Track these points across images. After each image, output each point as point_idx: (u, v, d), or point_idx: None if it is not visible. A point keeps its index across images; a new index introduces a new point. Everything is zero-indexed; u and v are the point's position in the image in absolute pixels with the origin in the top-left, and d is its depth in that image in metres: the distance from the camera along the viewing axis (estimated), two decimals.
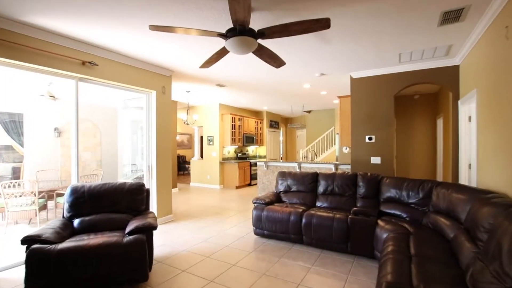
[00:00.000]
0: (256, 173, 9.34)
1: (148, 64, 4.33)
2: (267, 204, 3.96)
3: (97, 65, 3.58)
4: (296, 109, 9.79)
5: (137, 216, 3.00)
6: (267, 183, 6.33)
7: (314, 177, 4.26)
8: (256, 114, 10.67)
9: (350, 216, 3.30)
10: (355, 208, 3.42)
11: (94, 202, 2.93)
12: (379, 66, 4.62)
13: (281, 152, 12.38)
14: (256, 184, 9.27)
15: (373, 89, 4.83)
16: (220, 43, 3.41)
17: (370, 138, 4.83)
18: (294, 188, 4.32)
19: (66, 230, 2.65)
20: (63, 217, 2.89)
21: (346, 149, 5.81)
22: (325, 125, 10.61)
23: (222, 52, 2.89)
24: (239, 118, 9.02)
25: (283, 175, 4.50)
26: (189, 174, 11.38)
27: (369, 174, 3.91)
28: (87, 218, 2.84)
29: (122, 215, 2.99)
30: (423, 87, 6.31)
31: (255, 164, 9.17)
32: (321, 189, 4.14)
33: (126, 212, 3.04)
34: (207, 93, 6.91)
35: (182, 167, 12.30)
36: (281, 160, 11.78)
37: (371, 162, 4.83)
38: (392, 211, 3.42)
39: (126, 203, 3.06)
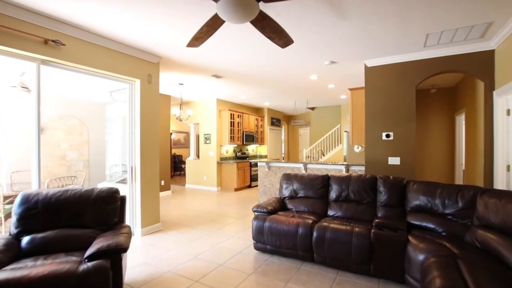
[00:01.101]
0: (257, 174, 8.71)
1: (129, 47, 3.70)
2: (270, 213, 3.33)
3: (63, 44, 2.95)
4: (300, 105, 9.16)
5: (107, 231, 2.37)
6: (269, 186, 5.70)
7: (325, 181, 3.63)
8: (257, 110, 10.03)
9: (373, 231, 2.67)
10: (377, 220, 2.79)
11: (50, 215, 2.31)
12: (399, 52, 3.98)
13: (283, 152, 11.76)
14: (256, 186, 8.64)
15: (392, 79, 4.20)
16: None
17: (387, 136, 4.20)
18: (301, 194, 3.69)
19: (8, 252, 2.02)
20: (10, 234, 2.26)
21: (358, 148, 5.18)
22: (330, 123, 9.97)
23: (214, 23, 2.26)
24: (238, 115, 8.39)
25: (288, 178, 3.87)
26: (185, 174, 10.77)
27: (391, 177, 3.28)
28: (39, 235, 2.21)
29: (87, 230, 2.36)
30: (441, 80, 5.68)
31: (256, 165, 8.55)
32: (333, 195, 3.50)
33: (93, 227, 2.41)
34: (203, 86, 6.28)
35: (178, 167, 11.68)
36: (283, 160, 11.15)
37: (389, 163, 4.20)
38: (424, 224, 2.79)
39: (93, 215, 2.43)
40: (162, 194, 7.10)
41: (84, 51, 3.18)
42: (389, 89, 4.22)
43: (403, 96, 4.12)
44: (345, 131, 6.98)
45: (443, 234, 2.62)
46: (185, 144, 12.70)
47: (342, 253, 2.72)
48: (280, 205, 3.64)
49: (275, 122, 10.60)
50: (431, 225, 2.73)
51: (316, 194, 3.59)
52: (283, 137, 11.55)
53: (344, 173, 4.79)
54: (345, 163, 5.08)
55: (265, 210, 3.33)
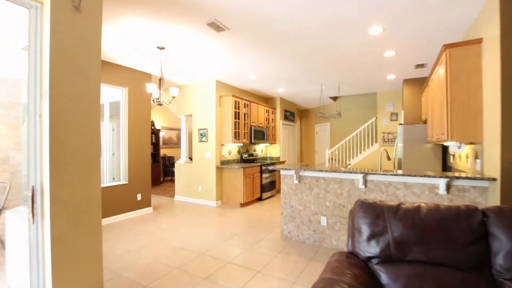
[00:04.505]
0: (269, 182, 6.62)
1: None
2: None
3: None
4: (326, 92, 7.08)
5: None
6: (300, 208, 3.60)
7: (478, 225, 1.53)
8: (267, 100, 7.94)
9: None
10: None
11: None
12: None
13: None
14: (269, 197, 6.54)
15: None
16: None
17: None
18: (416, 253, 1.58)
19: None
20: None
21: (460, 147, 3.09)
22: (357, 117, 7.87)
23: None
24: (245, 104, 6.29)
25: (374, 213, 1.75)
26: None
27: None
28: None
29: None
30: None
31: (268, 170, 6.45)
32: (505, 261, 1.41)
33: None
34: (195, 55, 4.18)
35: (168, 171, 9.55)
36: (306, 168, 9.08)
37: None
38: None
39: None
40: (138, 213, 5.00)
41: None
42: None
43: None
44: (400, 124, 4.91)
45: None
46: (179, 144, 10.60)
47: None
48: (365, 280, 1.53)
49: (289, 116, 8.51)
50: None
51: (461, 258, 1.49)
52: (296, 135, 9.47)
53: (443, 193, 2.70)
54: (433, 173, 2.98)
55: None
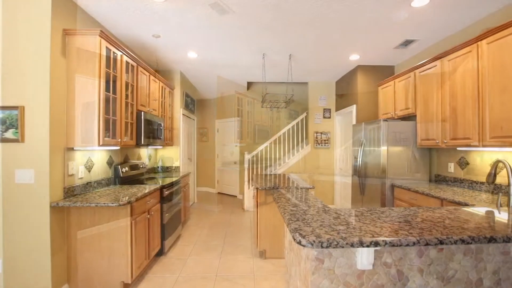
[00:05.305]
0: (175, 215, 5.88)
1: None
2: None
3: None
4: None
5: None
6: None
7: None
8: (163, 74, 6.80)
9: None
10: None
11: None
12: None
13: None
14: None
15: None
16: None
17: None
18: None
19: None
20: None
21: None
22: (285, 112, 6.57)
23: None
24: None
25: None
26: None
27: None
28: None
29: None
30: None
31: (174, 193, 5.51)
32: None
33: None
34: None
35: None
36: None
37: None
38: None
39: None
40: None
41: None
42: None
43: None
44: (385, 120, 3.39)
45: None
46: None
47: None
48: None
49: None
50: None
51: None
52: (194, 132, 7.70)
53: None
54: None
55: None
